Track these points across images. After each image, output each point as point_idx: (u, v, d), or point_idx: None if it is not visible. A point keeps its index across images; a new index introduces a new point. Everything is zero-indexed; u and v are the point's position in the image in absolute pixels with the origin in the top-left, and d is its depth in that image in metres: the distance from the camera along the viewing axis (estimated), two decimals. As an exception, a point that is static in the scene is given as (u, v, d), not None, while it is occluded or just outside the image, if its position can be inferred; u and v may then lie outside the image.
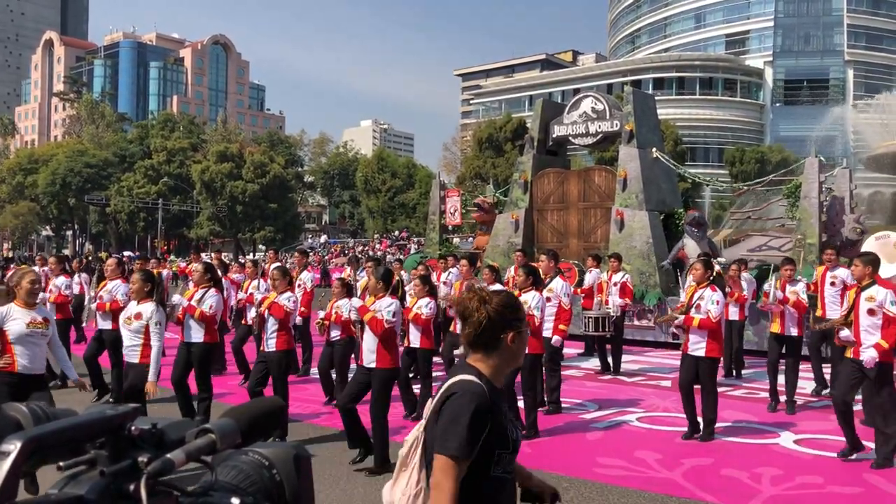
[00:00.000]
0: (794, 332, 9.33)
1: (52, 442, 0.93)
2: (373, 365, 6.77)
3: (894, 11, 76.14)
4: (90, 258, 38.11)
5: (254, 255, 52.03)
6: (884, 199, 24.12)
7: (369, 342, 6.84)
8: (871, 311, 6.90)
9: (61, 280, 11.12)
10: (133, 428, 1.00)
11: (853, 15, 75.51)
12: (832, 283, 9.94)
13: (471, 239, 21.83)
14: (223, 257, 22.46)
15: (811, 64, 76.92)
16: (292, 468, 1.08)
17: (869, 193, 23.91)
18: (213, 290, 8.18)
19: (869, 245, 10.54)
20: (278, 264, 10.51)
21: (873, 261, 7.26)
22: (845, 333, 7.04)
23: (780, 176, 18.32)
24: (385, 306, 6.83)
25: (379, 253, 42.47)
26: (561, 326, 8.93)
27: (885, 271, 9.90)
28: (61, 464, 0.96)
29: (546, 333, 8.86)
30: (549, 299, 8.96)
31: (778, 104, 78.31)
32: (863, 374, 6.89)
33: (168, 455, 0.97)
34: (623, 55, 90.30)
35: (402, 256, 33.60)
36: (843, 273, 10.23)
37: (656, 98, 23.13)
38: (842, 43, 75.90)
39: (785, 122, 74.96)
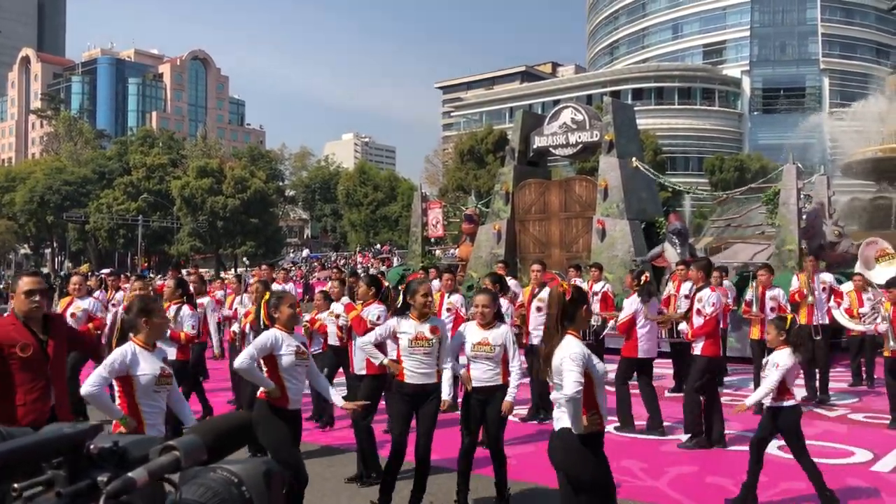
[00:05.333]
0: None
1: (5, 462, 0.89)
2: (363, 372, 6.88)
3: (867, 21, 77.37)
4: (51, 276, 37.67)
5: (235, 271, 51.78)
6: (861, 205, 24.38)
7: (359, 350, 6.90)
8: (698, 312, 7.79)
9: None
10: (92, 447, 0.96)
11: (827, 24, 76.62)
12: (823, 289, 10.17)
13: (452, 251, 21.80)
14: (200, 273, 22.21)
15: (787, 73, 77.90)
16: (263, 485, 1.05)
17: (846, 200, 24.17)
18: (187, 308, 8.06)
19: (860, 250, 10.73)
20: (262, 279, 10.44)
21: (705, 266, 8.34)
22: (683, 326, 8.14)
23: (760, 183, 18.48)
24: (370, 311, 6.94)
25: (360, 268, 42.35)
26: None
27: (872, 276, 10.01)
28: (16, 486, 0.92)
29: (535, 341, 8.95)
30: (539, 309, 8.96)
31: (756, 113, 79.16)
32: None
33: (129, 474, 0.94)
34: (602, 66, 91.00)
35: (384, 269, 33.51)
36: (828, 278, 10.42)
37: (635, 108, 23.31)
38: (817, 52, 76.96)
39: (763, 131, 75.76)
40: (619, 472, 6.82)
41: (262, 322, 5.42)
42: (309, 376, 5.53)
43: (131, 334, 4.55)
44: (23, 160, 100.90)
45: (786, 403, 5.91)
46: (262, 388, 5.21)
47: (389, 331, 5.90)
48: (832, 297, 10.58)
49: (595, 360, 4.32)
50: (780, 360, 5.94)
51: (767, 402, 6.04)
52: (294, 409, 5.24)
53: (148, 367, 4.40)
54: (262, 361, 5.22)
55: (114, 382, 4.44)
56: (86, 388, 4.31)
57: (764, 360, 6.19)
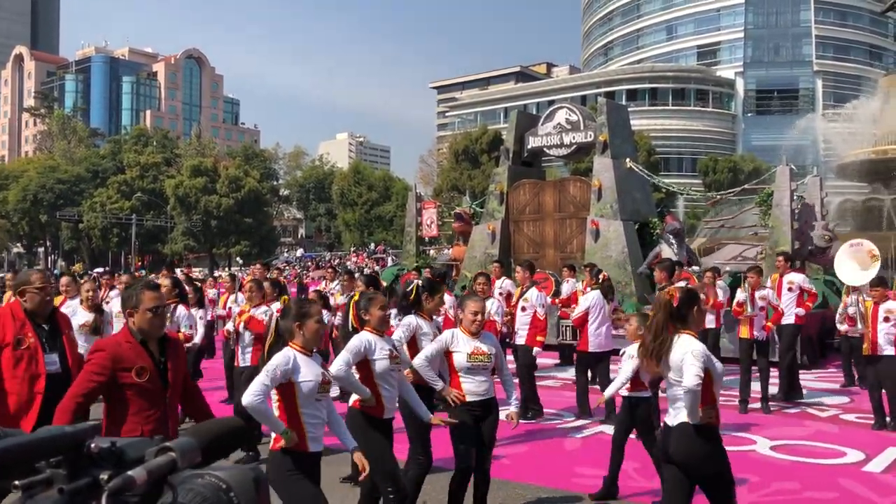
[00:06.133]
0: (762, 335, 9.81)
1: (6, 460, 0.90)
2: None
3: (860, 23, 77.68)
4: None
5: (229, 270, 51.67)
6: (854, 206, 24.48)
7: None
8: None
9: None
10: (93, 446, 0.98)
11: (821, 26, 76.88)
12: (790, 289, 10.33)
13: (446, 251, 21.80)
14: (194, 272, 22.16)
15: (781, 74, 78.13)
16: (252, 491, 1.06)
17: (839, 201, 24.26)
18: (182, 308, 8.04)
19: (843, 252, 10.83)
20: (256, 278, 10.41)
21: (668, 267, 8.78)
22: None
23: (753, 185, 18.53)
24: None
25: (353, 266, 42.31)
26: (539, 338, 9.05)
27: (857, 277, 10.08)
28: (17, 483, 0.93)
29: (519, 341, 9.21)
30: (524, 308, 9.10)
31: (749, 114, 79.37)
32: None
33: (128, 472, 0.95)
34: (596, 67, 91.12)
35: (378, 269, 33.50)
36: (797, 278, 10.56)
37: (629, 109, 23.38)
38: (810, 54, 77.24)
39: (756, 132, 75.96)
40: (613, 472, 6.85)
41: (350, 325, 5.13)
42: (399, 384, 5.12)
43: (288, 339, 4.20)
44: (16, 158, 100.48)
45: (643, 394, 6.17)
46: (355, 396, 4.86)
47: (412, 332, 5.71)
48: (806, 297, 10.67)
49: (714, 358, 4.50)
50: (636, 352, 6.09)
51: (624, 392, 6.27)
52: (389, 418, 4.86)
53: (310, 373, 4.07)
54: (355, 368, 4.81)
55: (272, 393, 4.07)
56: (248, 398, 3.90)
57: (621, 351, 6.42)
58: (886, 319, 8.52)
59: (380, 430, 4.78)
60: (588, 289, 12.50)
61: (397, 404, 5.07)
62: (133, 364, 3.58)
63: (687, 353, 4.37)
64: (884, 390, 8.63)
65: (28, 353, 4.35)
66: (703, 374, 4.29)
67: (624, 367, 6.17)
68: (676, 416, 4.46)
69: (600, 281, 9.90)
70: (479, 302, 5.48)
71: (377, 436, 4.71)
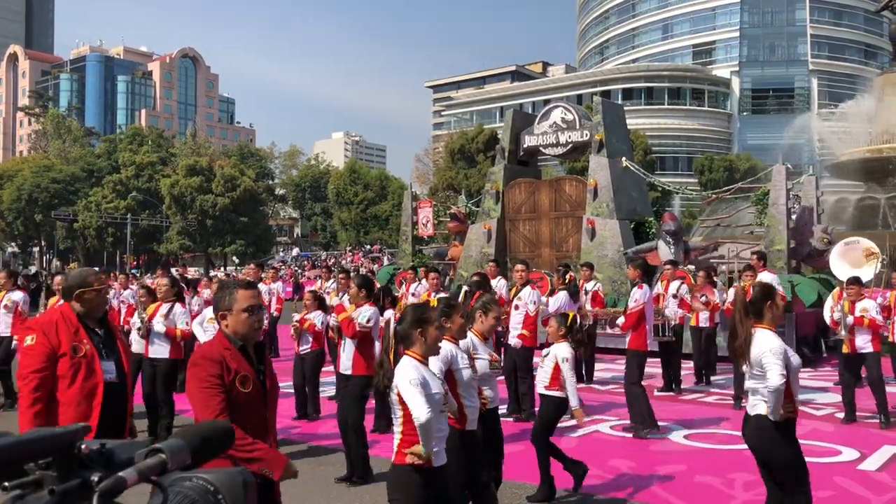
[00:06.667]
0: None
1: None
2: (349, 372, 6.88)
3: (855, 22, 77.82)
4: (40, 274, 37.32)
5: (225, 269, 51.60)
6: (849, 205, 24.54)
7: (348, 349, 6.92)
8: (627, 308, 8.72)
9: (18, 295, 10.54)
10: (83, 447, 0.97)
11: (816, 25, 77.02)
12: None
13: (443, 249, 21.79)
14: (189, 272, 22.13)
15: (776, 73, 78.25)
16: (240, 493, 1.05)
17: (835, 200, 24.31)
18: (179, 306, 8.06)
19: (838, 250, 10.90)
20: (249, 278, 10.41)
21: (641, 265, 8.80)
22: (621, 320, 8.95)
23: (749, 184, 18.55)
24: (361, 312, 6.92)
25: (350, 265, 42.30)
26: (524, 332, 9.09)
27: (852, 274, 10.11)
28: (6, 484, 0.92)
29: (511, 341, 9.32)
30: (517, 307, 9.14)
31: (745, 113, 79.47)
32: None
33: (120, 473, 0.94)
34: (592, 66, 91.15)
35: (375, 268, 33.52)
36: (766, 277, 10.80)
37: (625, 108, 23.37)
38: (806, 53, 77.37)
39: (752, 131, 76.06)
40: (609, 470, 6.86)
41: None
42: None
43: (402, 347, 3.84)
44: (10, 158, 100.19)
45: (558, 394, 6.20)
46: None
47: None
48: None
49: (791, 352, 4.59)
50: (566, 353, 6.20)
51: (541, 389, 6.30)
52: (472, 430, 4.56)
53: (435, 384, 3.74)
54: None
55: (397, 407, 3.73)
56: (425, 414, 3.54)
57: (544, 352, 6.44)
58: (861, 318, 8.67)
59: (461, 442, 4.46)
60: (588, 285, 12.65)
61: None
62: (236, 373, 3.22)
63: (766, 351, 4.48)
64: (870, 389, 8.73)
65: (85, 362, 3.94)
66: (785, 372, 4.42)
67: (566, 371, 6.04)
68: (755, 406, 4.62)
69: (567, 282, 10.10)
70: (500, 308, 5.53)
71: (456, 449, 4.36)
